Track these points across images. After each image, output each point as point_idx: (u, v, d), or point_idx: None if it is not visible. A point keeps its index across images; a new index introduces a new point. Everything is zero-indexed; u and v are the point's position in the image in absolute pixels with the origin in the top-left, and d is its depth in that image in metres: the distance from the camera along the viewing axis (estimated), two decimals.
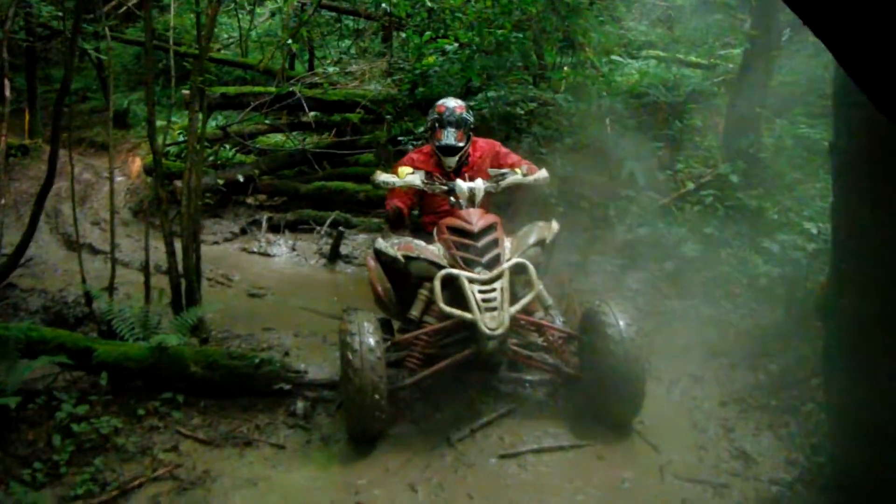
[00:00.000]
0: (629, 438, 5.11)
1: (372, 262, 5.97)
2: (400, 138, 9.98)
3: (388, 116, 10.37)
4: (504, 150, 6.26)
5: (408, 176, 5.61)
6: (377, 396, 4.76)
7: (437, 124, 5.95)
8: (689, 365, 6.00)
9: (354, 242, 9.48)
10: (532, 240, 5.48)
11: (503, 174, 5.72)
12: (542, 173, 5.80)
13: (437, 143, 5.93)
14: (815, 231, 6.77)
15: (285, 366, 5.55)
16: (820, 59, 9.98)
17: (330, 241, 9.31)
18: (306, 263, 9.21)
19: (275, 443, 5.07)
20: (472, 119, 6.04)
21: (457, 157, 5.94)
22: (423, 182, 5.62)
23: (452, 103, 6.01)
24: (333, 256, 9.10)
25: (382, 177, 5.65)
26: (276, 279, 8.66)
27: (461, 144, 5.91)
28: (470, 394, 5.47)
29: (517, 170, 5.76)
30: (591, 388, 5.24)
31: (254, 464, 4.88)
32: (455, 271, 5.11)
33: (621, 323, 5.01)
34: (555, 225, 5.71)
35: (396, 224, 5.93)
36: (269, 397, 5.43)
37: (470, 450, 4.94)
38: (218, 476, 4.74)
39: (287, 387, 5.42)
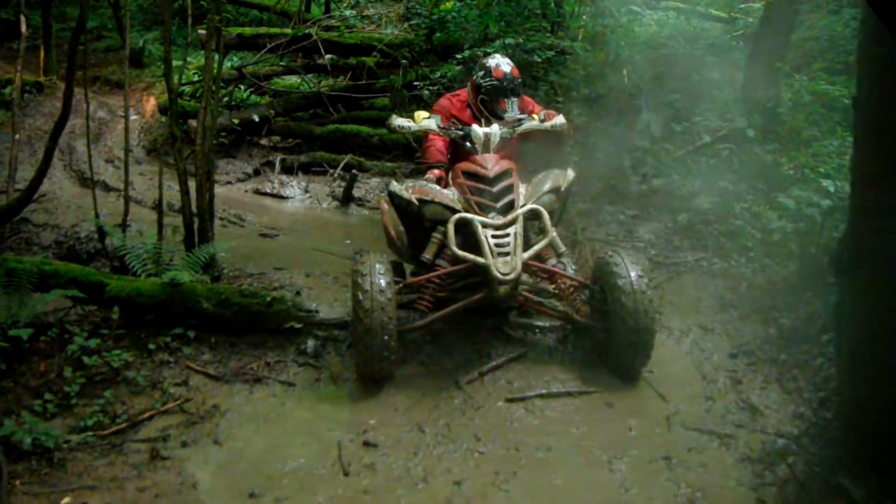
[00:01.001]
0: (637, 387, 5.14)
1: (385, 206, 5.96)
2: (416, 83, 9.91)
3: (405, 61, 10.29)
4: (531, 100, 6.23)
5: (424, 120, 5.57)
6: (386, 337, 4.78)
7: (497, 92, 5.82)
8: (699, 317, 6.01)
9: (367, 186, 9.47)
10: (547, 186, 5.45)
11: (519, 120, 5.70)
12: (560, 119, 5.74)
13: (500, 114, 5.81)
14: (831, 188, 6.73)
15: (296, 304, 5.56)
16: (841, 16, 9.89)
17: (343, 183, 9.29)
18: (319, 206, 9.21)
19: (284, 380, 5.11)
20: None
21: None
22: (438, 126, 5.59)
23: (507, 67, 5.86)
24: (346, 199, 9.09)
25: (398, 121, 5.62)
26: (288, 220, 8.66)
27: (519, 115, 5.83)
28: (480, 337, 5.50)
29: (534, 116, 5.74)
30: (601, 336, 5.27)
31: (262, 400, 4.93)
32: (469, 215, 5.10)
33: (632, 274, 5.01)
34: (570, 173, 5.66)
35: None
36: (279, 335, 5.44)
37: (478, 392, 4.97)
38: (227, 411, 4.79)
39: (298, 325, 5.43)
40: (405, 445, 4.48)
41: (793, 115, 8.53)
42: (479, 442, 4.50)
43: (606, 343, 5.20)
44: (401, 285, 5.34)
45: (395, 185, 5.48)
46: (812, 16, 10.46)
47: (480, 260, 4.92)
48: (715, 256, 6.89)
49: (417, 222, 5.43)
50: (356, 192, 9.20)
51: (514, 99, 5.79)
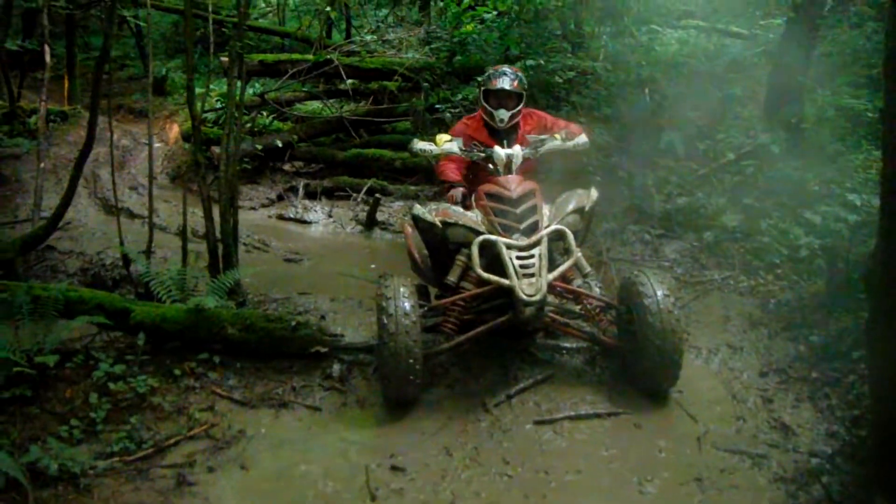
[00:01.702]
0: (667, 407, 5.08)
1: (409, 229, 5.94)
2: (437, 106, 9.95)
3: (426, 84, 10.33)
4: (550, 119, 6.23)
5: (445, 144, 5.57)
6: (412, 360, 4.76)
7: (491, 101, 5.92)
8: (728, 335, 5.96)
9: (391, 209, 9.49)
10: (571, 207, 5.43)
11: (542, 140, 5.67)
12: (582, 138, 5.72)
13: (492, 121, 5.91)
14: (857, 202, 6.67)
15: (322, 329, 5.55)
16: (863, 30, 9.84)
17: (366, 208, 9.31)
18: (343, 230, 9.23)
19: (310, 405, 5.09)
20: (523, 90, 5.97)
21: (508, 116, 5.90)
22: (460, 149, 5.59)
23: (506, 81, 5.91)
24: (370, 223, 9.11)
25: (420, 144, 5.63)
26: (312, 245, 8.68)
27: (513, 123, 5.91)
28: (506, 360, 5.46)
29: (556, 135, 5.69)
30: (628, 357, 5.22)
31: (289, 424, 4.90)
32: (493, 237, 5.08)
33: (659, 293, 4.97)
34: (594, 193, 5.64)
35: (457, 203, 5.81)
36: (305, 360, 5.43)
37: (506, 415, 4.93)
38: (253, 436, 4.76)
39: (323, 350, 5.42)
40: (433, 469, 4.44)
41: (817, 131, 8.48)
42: (508, 465, 4.45)
43: (634, 364, 5.14)
44: (426, 308, 5.32)
45: (418, 209, 5.48)
46: (834, 31, 10.41)
47: (505, 282, 4.89)
48: (742, 274, 6.85)
49: (441, 245, 5.42)
50: (380, 216, 9.22)
51: (505, 112, 5.85)
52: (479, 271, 4.96)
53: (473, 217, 5.32)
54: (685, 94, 9.21)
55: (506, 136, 5.89)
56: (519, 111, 5.94)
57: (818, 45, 9.14)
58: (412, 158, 9.90)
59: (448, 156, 5.76)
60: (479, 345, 5.44)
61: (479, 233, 5.15)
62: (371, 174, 10.16)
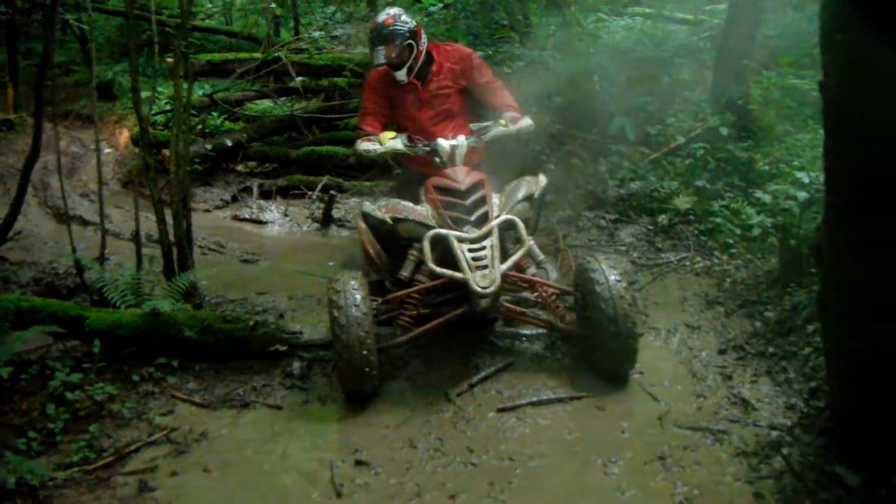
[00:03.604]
0: (628, 389, 5.11)
1: (363, 225, 5.92)
2: None
3: None
4: (478, 61, 6.10)
5: (389, 141, 5.56)
6: (365, 352, 4.74)
7: (370, 44, 5.90)
8: (685, 315, 6.01)
9: (346, 206, 9.45)
10: (520, 195, 5.44)
11: (486, 127, 5.66)
12: (526, 121, 5.71)
13: (372, 64, 5.94)
14: (806, 180, 6.76)
15: (280, 327, 5.53)
16: (805, 13, 9.98)
17: (322, 205, 9.27)
18: (299, 228, 9.18)
19: (272, 404, 5.05)
20: (406, 27, 5.80)
21: (404, 70, 5.86)
22: (404, 145, 5.56)
23: (382, 17, 5.86)
24: (326, 221, 9.07)
25: (364, 145, 5.62)
26: (268, 245, 8.62)
27: (395, 60, 5.79)
28: (467, 350, 5.47)
29: (500, 121, 5.66)
30: (586, 343, 5.25)
31: (251, 425, 4.86)
32: (443, 231, 5.08)
33: (610, 278, 4.97)
34: (542, 179, 5.67)
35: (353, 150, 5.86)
36: (264, 359, 5.41)
37: (468, 404, 4.93)
38: (215, 438, 4.72)
39: (283, 348, 5.40)
40: (398, 462, 4.42)
41: (764, 112, 8.58)
42: (473, 454, 4.45)
43: (592, 349, 5.17)
44: (380, 302, 5.34)
45: (367, 206, 5.51)
46: (776, 14, 10.54)
47: (458, 275, 4.90)
48: (697, 255, 6.93)
49: (393, 241, 5.44)
50: (335, 213, 9.18)
51: (381, 48, 5.75)
52: (432, 266, 4.96)
53: (423, 211, 5.33)
54: (634, 81, 9.27)
55: (419, 75, 5.92)
56: (410, 46, 5.85)
57: (762, 28, 9.24)
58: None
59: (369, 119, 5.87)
60: (439, 336, 5.45)
61: (429, 227, 5.15)
62: (325, 171, 10.11)
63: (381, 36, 5.75)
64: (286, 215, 9.47)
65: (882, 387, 3.84)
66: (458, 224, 5.14)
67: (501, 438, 4.60)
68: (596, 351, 5.12)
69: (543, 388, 5.08)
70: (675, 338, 5.73)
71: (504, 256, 5.05)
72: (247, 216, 9.50)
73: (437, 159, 5.52)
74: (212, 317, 5.52)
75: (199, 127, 10.48)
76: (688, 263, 6.82)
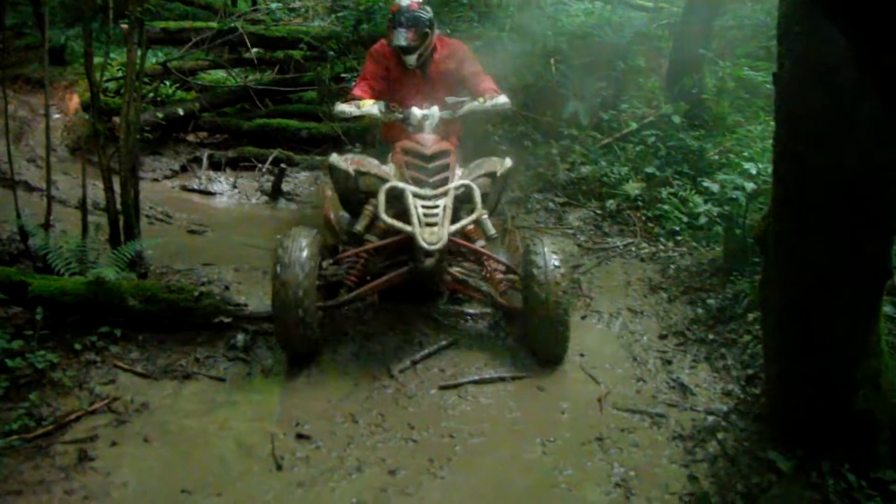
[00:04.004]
0: (569, 370, 5.18)
1: (329, 192, 6.04)
2: (343, 75, 9.88)
3: (331, 53, 10.22)
4: (470, 56, 6.19)
5: (366, 107, 5.61)
6: (301, 312, 4.79)
7: (390, 23, 5.92)
8: (629, 300, 6.08)
9: (297, 180, 9.40)
10: (483, 171, 5.50)
11: (461, 101, 5.71)
12: (502, 99, 5.75)
13: (390, 44, 5.93)
14: (754, 171, 6.84)
15: (225, 299, 5.50)
16: (763, 4, 10.07)
17: (271, 178, 9.20)
18: (248, 201, 9.10)
19: (214, 375, 5.03)
20: (428, 15, 5.93)
21: (415, 56, 5.94)
22: (380, 112, 5.62)
23: (407, 1, 5.91)
24: (275, 194, 9.01)
25: (341, 106, 5.70)
26: (216, 216, 8.54)
27: (414, 44, 5.87)
28: (411, 326, 5.50)
29: (479, 99, 5.72)
30: (526, 323, 5.30)
31: (193, 396, 4.84)
32: (400, 185, 5.13)
33: (550, 264, 5.04)
34: (508, 161, 5.74)
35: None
36: (208, 331, 5.37)
37: (411, 381, 4.97)
38: (156, 408, 4.70)
39: (227, 320, 5.37)
40: (339, 436, 4.45)
41: (717, 102, 8.67)
42: (413, 430, 4.49)
43: (530, 330, 5.24)
44: (331, 261, 5.39)
45: (334, 157, 5.57)
46: (735, 5, 10.63)
47: (408, 228, 4.93)
48: (643, 241, 7.00)
49: (353, 194, 5.48)
50: (285, 187, 9.11)
51: (403, 30, 5.81)
52: (384, 216, 4.97)
53: (387, 169, 5.40)
54: (590, 65, 9.31)
55: (419, 63, 6.01)
56: (426, 35, 5.93)
57: (719, 18, 9.32)
58: (319, 128, 9.88)
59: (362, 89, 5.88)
60: (384, 312, 5.50)
61: (386, 182, 5.20)
62: (277, 144, 10.02)
63: (407, 19, 5.82)
64: (235, 187, 9.38)
65: (816, 376, 3.93)
66: (418, 185, 5.18)
67: (442, 416, 4.65)
68: (532, 332, 5.20)
69: (486, 366, 5.13)
70: (618, 321, 5.79)
71: (456, 220, 5.10)
72: (195, 187, 9.40)
73: (410, 127, 5.58)
74: (156, 287, 5.47)
75: (151, 95, 10.35)
76: (633, 249, 6.88)
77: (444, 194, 5.14)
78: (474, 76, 6.02)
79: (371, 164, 5.45)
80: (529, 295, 5.04)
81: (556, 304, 4.95)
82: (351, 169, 5.39)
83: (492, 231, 5.27)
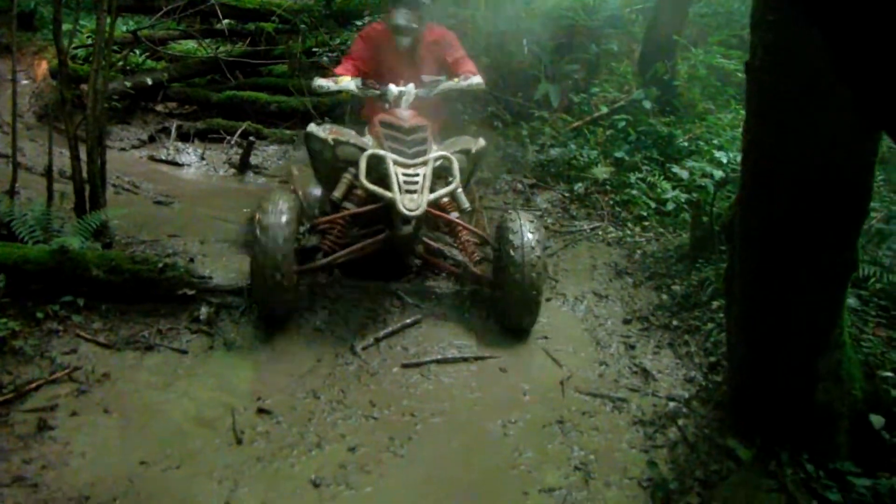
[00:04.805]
0: (532, 352, 5.20)
1: (296, 172, 6.33)
2: (315, 49, 9.82)
3: (303, 27, 10.15)
4: (457, 43, 6.31)
5: (344, 82, 5.70)
6: (279, 274, 4.86)
7: (392, 2, 6.01)
8: (594, 283, 6.10)
9: (265, 153, 9.34)
10: (458, 147, 5.64)
11: (437, 80, 5.83)
12: (476, 79, 5.90)
13: (389, 22, 6.03)
14: (724, 159, 6.89)
15: (190, 271, 5.46)
16: None
17: (240, 151, 9.14)
18: (215, 173, 9.03)
19: (177, 348, 5.00)
20: (427, 0, 6.05)
21: (410, 38, 6.04)
22: (357, 87, 5.70)
23: None
24: (243, 166, 8.95)
25: (320, 81, 5.78)
26: (184, 187, 8.47)
27: (413, 26, 5.98)
28: (375, 304, 5.50)
29: (456, 79, 5.87)
30: (495, 295, 5.41)
31: (154, 368, 4.81)
32: (381, 152, 5.20)
33: (526, 233, 5.18)
34: (481, 141, 5.87)
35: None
36: (172, 303, 5.33)
37: (374, 358, 4.97)
38: (117, 379, 4.66)
39: (191, 292, 5.34)
40: (300, 412, 4.45)
41: (689, 88, 8.71)
42: (375, 408, 4.50)
43: (501, 299, 5.31)
44: (306, 228, 5.50)
45: (312, 126, 5.65)
46: None
47: (388, 194, 5.00)
48: (610, 225, 7.02)
49: (330, 164, 5.54)
50: (253, 160, 9.05)
51: (405, 11, 5.93)
52: (364, 181, 5.05)
53: (365, 140, 5.48)
54: (563, 48, 9.31)
55: (408, 49, 6.08)
56: (422, 18, 6.05)
57: (694, 5, 9.34)
58: (288, 102, 9.82)
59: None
60: (349, 289, 5.49)
61: (364, 150, 5.27)
62: (246, 117, 9.95)
63: (408, 0, 5.94)
64: (203, 159, 9.31)
65: (777, 366, 3.97)
66: (398, 155, 5.28)
67: (404, 394, 4.67)
68: (502, 302, 5.28)
69: (449, 346, 5.14)
70: (583, 305, 5.82)
71: (433, 191, 5.19)
72: (163, 157, 9.31)
73: (387, 104, 5.67)
74: (121, 257, 5.43)
75: (121, 63, 10.22)
76: (600, 233, 6.91)
77: (424, 164, 5.23)
78: (457, 61, 6.12)
79: (349, 134, 5.53)
80: (504, 268, 5.15)
81: (532, 267, 5.08)
82: (330, 138, 5.46)
83: (466, 204, 5.42)
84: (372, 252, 5.42)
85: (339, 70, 5.99)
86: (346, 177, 5.43)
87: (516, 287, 5.09)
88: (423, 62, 6.10)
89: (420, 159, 5.26)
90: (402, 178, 5.08)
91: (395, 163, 5.17)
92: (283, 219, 4.93)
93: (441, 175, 5.38)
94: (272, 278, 4.86)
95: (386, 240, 5.34)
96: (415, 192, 5.05)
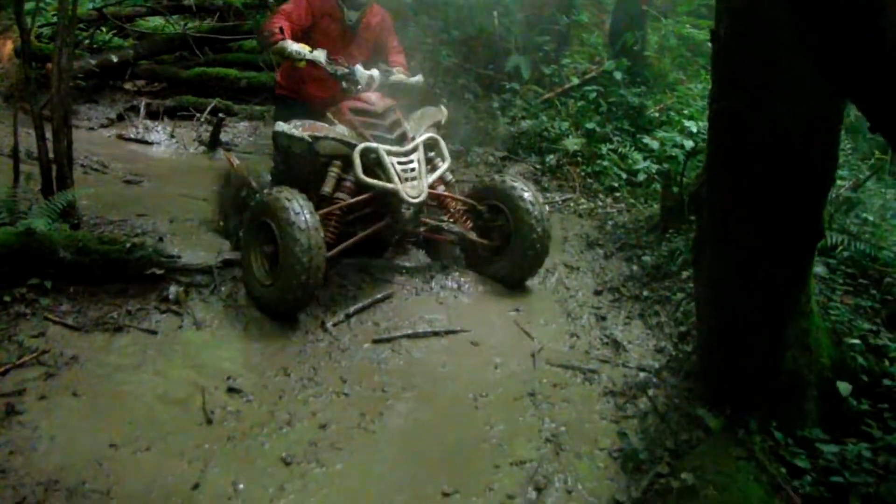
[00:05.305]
0: (504, 326, 5.20)
1: (235, 160, 6.60)
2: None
3: (272, 1, 10.08)
4: (392, 29, 6.27)
5: (315, 53, 5.59)
6: (313, 279, 4.84)
7: None
8: (565, 255, 6.13)
9: (235, 130, 9.30)
10: (428, 122, 5.71)
11: (391, 71, 5.87)
12: (419, 78, 5.95)
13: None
14: (694, 129, 6.90)
15: (159, 251, 5.40)
16: None
17: (210, 128, 9.08)
18: (185, 151, 8.98)
19: (146, 328, 4.94)
20: None
21: (358, 14, 5.94)
22: (327, 61, 5.62)
23: None
24: (213, 144, 8.90)
25: (294, 46, 5.58)
26: (153, 166, 8.41)
27: (365, 0, 5.93)
28: (345, 280, 5.48)
29: (402, 73, 5.93)
30: (495, 253, 5.65)
31: (123, 349, 4.75)
32: (374, 144, 5.27)
33: (530, 195, 5.51)
34: (444, 109, 5.94)
35: (270, 42, 5.73)
36: (141, 283, 5.26)
37: (344, 335, 4.95)
38: (86, 361, 4.61)
39: (160, 272, 5.28)
40: (270, 390, 4.43)
41: (659, 59, 8.70)
42: (345, 384, 4.49)
43: (504, 257, 5.57)
44: None
45: (281, 125, 5.46)
46: None
47: (390, 185, 5.16)
48: (582, 197, 7.03)
49: (309, 161, 5.46)
50: (223, 137, 9.01)
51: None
52: (362, 176, 5.17)
53: (342, 131, 5.42)
54: (533, 19, 9.28)
55: (352, 24, 5.99)
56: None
57: None
58: (258, 77, 9.75)
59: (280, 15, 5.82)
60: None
61: (350, 144, 5.29)
62: (215, 94, 9.89)
63: None
64: (173, 137, 9.25)
65: (746, 335, 3.99)
66: (379, 142, 5.33)
67: (375, 370, 4.65)
68: (508, 258, 5.53)
69: (420, 321, 5.13)
70: (554, 277, 5.84)
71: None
72: (132, 136, 9.25)
73: (348, 84, 5.64)
74: (88, 237, 5.37)
75: (87, 42, 10.12)
76: (572, 204, 6.93)
77: (414, 150, 5.39)
78: (393, 49, 6.17)
79: (322, 127, 5.45)
80: (517, 222, 5.45)
81: (546, 222, 5.41)
82: (306, 135, 5.35)
83: (450, 178, 5.71)
84: (376, 237, 5.51)
85: (272, 26, 5.75)
86: (333, 171, 5.38)
87: (532, 244, 5.40)
88: (361, 41, 6.06)
89: (410, 145, 5.39)
90: (398, 168, 5.21)
91: (389, 153, 5.26)
92: (310, 218, 4.88)
93: (430, 152, 5.56)
94: (308, 280, 4.82)
95: (388, 225, 5.43)
96: (414, 178, 5.24)
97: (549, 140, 7.85)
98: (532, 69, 8.76)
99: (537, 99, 8.51)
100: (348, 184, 5.35)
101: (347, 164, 5.33)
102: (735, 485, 3.60)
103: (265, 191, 5.42)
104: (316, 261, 4.81)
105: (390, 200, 5.30)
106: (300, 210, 4.89)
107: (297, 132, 5.39)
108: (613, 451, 4.07)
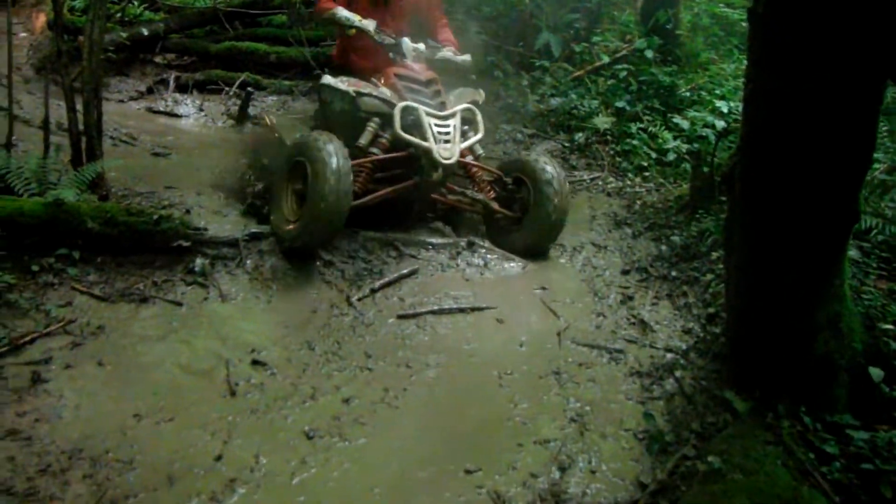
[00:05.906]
0: (530, 304, 5.17)
1: (272, 119, 6.77)
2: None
3: None
4: (439, 4, 6.51)
5: (364, 22, 5.87)
6: (336, 219, 5.04)
7: None
8: (593, 234, 6.09)
9: (264, 104, 9.28)
10: (467, 99, 5.91)
11: (438, 48, 6.10)
12: (466, 58, 6.15)
13: None
14: (725, 109, 6.82)
15: (185, 223, 5.40)
16: None
17: (238, 102, 9.07)
18: (213, 124, 8.98)
19: (172, 299, 4.96)
20: None
21: None
22: (375, 31, 5.87)
23: None
24: (241, 117, 8.88)
25: (345, 13, 5.91)
26: (182, 139, 8.41)
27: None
28: (371, 255, 5.48)
29: (451, 50, 6.13)
30: (515, 223, 5.81)
31: (149, 320, 4.77)
32: (414, 104, 5.50)
33: (553, 168, 5.69)
34: (482, 92, 6.14)
35: (323, 8, 6.02)
36: (167, 254, 5.27)
37: (369, 309, 4.94)
38: (112, 331, 4.63)
39: (186, 244, 5.29)
40: (294, 364, 4.43)
41: (691, 38, 8.61)
42: (370, 359, 4.48)
43: (523, 228, 5.76)
44: None
45: (328, 78, 5.86)
46: None
47: (424, 144, 5.40)
48: (610, 175, 6.98)
49: (350, 115, 5.73)
50: (252, 111, 8.98)
51: None
52: (400, 132, 5.41)
53: (385, 91, 5.69)
54: None
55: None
56: None
57: None
58: (287, 52, 9.74)
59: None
60: (346, 239, 5.45)
61: (391, 104, 5.56)
62: (245, 68, 9.87)
63: None
64: (202, 110, 9.25)
65: (777, 317, 3.93)
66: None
67: (399, 345, 4.65)
68: (528, 229, 5.67)
69: (445, 297, 5.11)
70: (581, 256, 5.80)
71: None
72: (161, 109, 9.25)
73: (394, 55, 5.90)
74: (116, 209, 5.38)
75: (119, 15, 10.13)
76: (600, 183, 6.87)
77: (453, 115, 5.62)
78: (441, 25, 6.36)
79: (367, 85, 5.72)
80: (538, 194, 5.65)
81: (565, 195, 5.62)
82: (351, 90, 5.64)
83: (480, 151, 5.92)
84: (398, 196, 5.68)
85: (326, 2, 6.03)
86: (371, 126, 5.64)
87: (552, 213, 5.57)
88: (403, 13, 6.22)
89: (449, 111, 5.63)
90: (435, 129, 5.45)
91: (427, 114, 5.49)
92: (342, 162, 5.04)
93: (467, 123, 5.81)
94: (330, 219, 5.01)
95: (416, 184, 5.64)
96: (448, 141, 5.45)
97: (579, 118, 7.79)
98: (562, 47, 8.69)
99: (567, 77, 8.44)
100: (384, 140, 5.62)
101: (386, 123, 5.59)
102: (762, 469, 3.55)
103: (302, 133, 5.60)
104: (341, 203, 4.97)
105: (421, 163, 5.52)
106: (334, 153, 5.04)
107: (342, 86, 5.71)
108: (639, 433, 4.03)
